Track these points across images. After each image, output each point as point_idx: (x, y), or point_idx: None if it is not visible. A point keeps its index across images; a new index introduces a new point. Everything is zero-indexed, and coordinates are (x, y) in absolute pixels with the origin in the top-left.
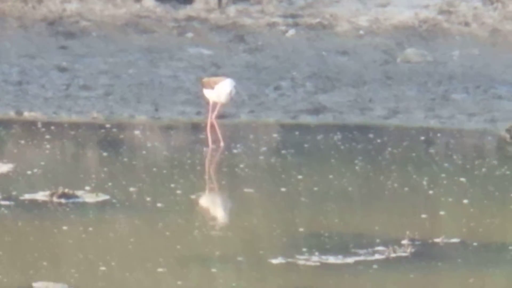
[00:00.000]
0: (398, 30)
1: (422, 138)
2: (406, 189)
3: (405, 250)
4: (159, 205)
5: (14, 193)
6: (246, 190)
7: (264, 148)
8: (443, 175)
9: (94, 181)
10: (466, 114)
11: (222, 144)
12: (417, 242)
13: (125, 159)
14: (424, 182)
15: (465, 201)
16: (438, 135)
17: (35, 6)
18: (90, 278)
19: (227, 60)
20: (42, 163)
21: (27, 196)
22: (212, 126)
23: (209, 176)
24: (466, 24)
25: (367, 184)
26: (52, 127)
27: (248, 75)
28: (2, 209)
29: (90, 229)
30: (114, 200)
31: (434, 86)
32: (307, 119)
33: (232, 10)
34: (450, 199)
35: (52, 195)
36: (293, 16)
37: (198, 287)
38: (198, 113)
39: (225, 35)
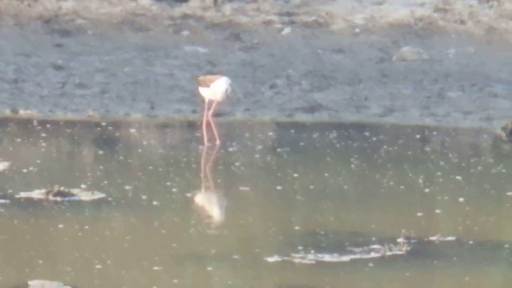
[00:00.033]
0: (393, 28)
1: (418, 136)
2: (401, 187)
3: (401, 248)
4: (155, 203)
5: (9, 191)
6: (241, 188)
7: (259, 146)
8: (438, 173)
9: (90, 179)
10: (462, 112)
11: (218, 142)
12: (412, 240)
13: (121, 157)
14: (420, 180)
15: (461, 199)
16: (434, 133)
17: (30, 4)
18: (86, 276)
19: (222, 58)
20: (38, 161)
21: (22, 194)
22: (208, 124)
23: (205, 174)
24: (462, 22)
25: (363, 182)
26: (48, 125)
27: (243, 73)
28: None
29: (86, 227)
30: (110, 198)
31: (430, 84)
32: (302, 117)
33: (227, 8)
34: (445, 197)
35: (48, 193)
36: (288, 14)
37: (193, 285)
38: (194, 111)
39: (221, 33)
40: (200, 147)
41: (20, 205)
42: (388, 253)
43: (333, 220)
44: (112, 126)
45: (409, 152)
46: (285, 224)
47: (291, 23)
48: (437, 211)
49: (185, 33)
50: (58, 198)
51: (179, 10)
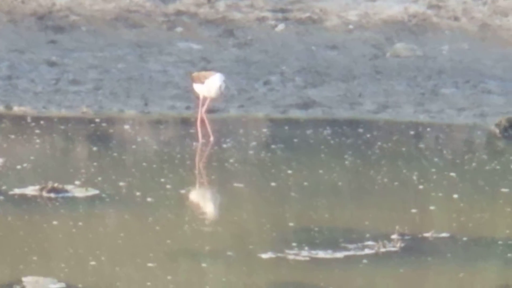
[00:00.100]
0: (387, 25)
1: (412, 132)
2: (395, 183)
3: (395, 244)
4: (149, 199)
5: (3, 187)
6: (236, 184)
7: (253, 143)
8: (432, 169)
9: (84, 175)
10: (456, 109)
11: (211, 138)
12: (406, 237)
13: (115, 154)
14: (414, 177)
15: (455, 195)
16: (428, 129)
17: (24, 0)
18: (80, 272)
19: (216, 55)
20: (32, 157)
21: (16, 191)
22: (202, 120)
23: (199, 170)
24: (456, 18)
25: (357, 178)
26: (42, 122)
27: (237, 70)
28: None
29: (80, 223)
30: (103, 195)
31: (424, 80)
32: (296, 113)
33: (221, 4)
34: (439, 194)
35: (41, 189)
36: (282, 10)
37: (188, 282)
38: (188, 107)
39: (215, 30)
40: (194, 143)
41: (14, 202)
42: (382, 250)
43: (327, 216)
44: (106, 122)
45: (403, 149)
46: (279, 221)
47: (285, 19)
48: (431, 207)
49: (179, 29)
50: (52, 195)
51: (172, 6)
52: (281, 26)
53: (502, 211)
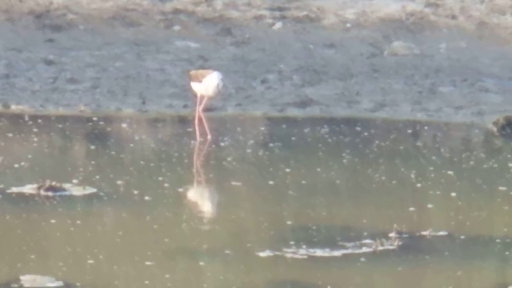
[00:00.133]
0: (385, 23)
1: (409, 131)
2: (393, 182)
3: (393, 243)
4: (146, 198)
5: (1, 186)
6: (233, 183)
7: (251, 141)
8: (430, 168)
9: (82, 174)
10: (453, 107)
11: (209, 137)
12: (404, 235)
13: (113, 152)
14: (412, 175)
15: (453, 194)
16: (425, 128)
17: None
18: (78, 271)
19: (214, 53)
20: (30, 156)
21: (14, 189)
22: (199, 119)
23: (197, 169)
24: (453, 17)
25: (355, 177)
26: (39, 120)
27: (235, 68)
28: None
29: (78, 222)
30: (101, 193)
31: (421, 79)
32: (294, 112)
33: (219, 3)
34: (437, 192)
35: (39, 188)
36: (280, 9)
37: (185, 280)
38: (185, 106)
39: (212, 28)
40: (192, 142)
41: (12, 200)
42: (380, 248)
43: (325, 215)
44: (104, 121)
45: (401, 147)
46: (276, 219)
47: (282, 18)
48: (429, 206)
49: (176, 28)
50: (50, 193)
51: (170, 5)
52: (278, 25)
53: (500, 209)
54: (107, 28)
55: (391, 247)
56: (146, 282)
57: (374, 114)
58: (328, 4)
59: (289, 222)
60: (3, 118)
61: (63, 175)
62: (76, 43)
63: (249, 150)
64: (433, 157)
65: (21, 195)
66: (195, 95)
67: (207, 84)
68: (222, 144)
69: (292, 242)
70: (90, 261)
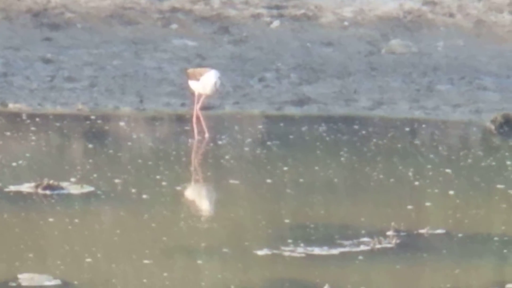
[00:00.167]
0: (382, 21)
1: (407, 129)
2: (391, 180)
3: (390, 241)
4: (144, 196)
5: None
6: (231, 181)
7: (249, 140)
8: (428, 166)
9: (79, 172)
10: (451, 105)
11: (207, 135)
12: (402, 233)
13: (110, 151)
14: (409, 173)
15: (450, 192)
16: (423, 126)
17: None
18: (76, 269)
19: (211, 52)
20: (27, 154)
21: (12, 188)
22: (197, 117)
23: (195, 167)
24: (451, 15)
25: (352, 175)
26: (37, 119)
27: (232, 67)
28: None
29: (76, 220)
30: (99, 192)
31: (419, 77)
32: (291, 110)
33: (216, 1)
34: (435, 190)
35: (37, 186)
36: (277, 7)
37: (183, 279)
38: (183, 104)
39: (210, 27)
40: (190, 140)
41: (9, 199)
42: (378, 246)
43: (322, 213)
44: (101, 119)
45: (399, 145)
46: (274, 217)
47: (280, 16)
48: (427, 204)
49: (174, 26)
50: (48, 192)
51: (167, 3)
52: (276, 23)
53: (498, 207)
54: (104, 27)
55: (389, 245)
56: (144, 280)
57: (372, 112)
58: (325, 2)
59: (287, 220)
60: (1, 117)
61: (60, 174)
62: (74, 42)
63: (246, 149)
64: (431, 155)
65: (19, 194)
66: (192, 94)
67: (204, 82)
68: (219, 142)
69: (290, 240)
70: (88, 260)
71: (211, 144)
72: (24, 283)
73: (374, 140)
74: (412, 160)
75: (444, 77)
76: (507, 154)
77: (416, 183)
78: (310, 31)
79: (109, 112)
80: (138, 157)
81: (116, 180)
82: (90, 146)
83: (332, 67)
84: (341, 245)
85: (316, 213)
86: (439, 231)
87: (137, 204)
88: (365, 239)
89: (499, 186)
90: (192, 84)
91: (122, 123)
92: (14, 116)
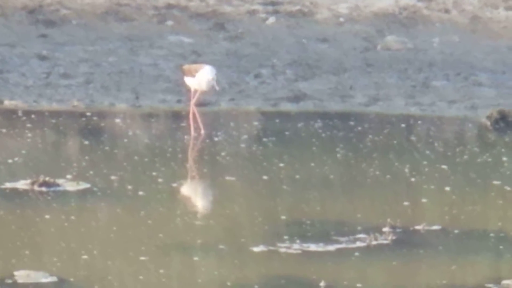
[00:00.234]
0: (378, 17)
1: (403, 125)
2: (387, 176)
3: (386, 237)
4: (140, 193)
5: None
6: (227, 178)
7: (245, 136)
8: (424, 162)
9: (75, 169)
10: (447, 101)
11: (203, 132)
12: (398, 230)
13: (106, 148)
14: (405, 170)
15: (447, 188)
16: (419, 122)
17: None
18: (72, 266)
19: (207, 48)
20: (23, 151)
21: (8, 185)
22: (192, 114)
23: (191, 164)
24: (446, 11)
25: (348, 171)
26: (33, 116)
27: (228, 63)
28: None
29: (72, 217)
30: (95, 189)
31: (415, 73)
32: (287, 106)
33: None
34: (431, 186)
35: (33, 183)
36: (273, 3)
37: (180, 275)
38: (179, 101)
39: (205, 23)
40: (186, 137)
41: (5, 196)
42: (374, 243)
43: (318, 209)
44: (97, 116)
45: (394, 141)
46: (270, 214)
47: (276, 12)
48: (423, 200)
49: (170, 23)
50: (44, 189)
51: (163, 0)
52: (271, 19)
53: (494, 203)
54: (100, 23)
55: (385, 242)
56: (140, 277)
57: (367, 108)
58: None
59: (283, 217)
60: None
61: (56, 171)
62: (69, 38)
63: (242, 145)
64: (427, 151)
65: (14, 191)
66: (188, 90)
67: (200, 78)
68: (215, 139)
69: (286, 237)
70: (84, 257)
71: (207, 141)
72: (20, 280)
73: (370, 136)
74: (408, 156)
75: (440, 73)
76: (503, 150)
77: (412, 179)
78: (306, 27)
79: (105, 109)
80: (134, 154)
81: (112, 177)
82: (86, 143)
83: (328, 63)
84: (337, 242)
85: (312, 209)
86: (435, 227)
87: (133, 201)
88: (361, 235)
89: (495, 182)
90: (188, 80)
91: (118, 120)
92: (10, 113)
